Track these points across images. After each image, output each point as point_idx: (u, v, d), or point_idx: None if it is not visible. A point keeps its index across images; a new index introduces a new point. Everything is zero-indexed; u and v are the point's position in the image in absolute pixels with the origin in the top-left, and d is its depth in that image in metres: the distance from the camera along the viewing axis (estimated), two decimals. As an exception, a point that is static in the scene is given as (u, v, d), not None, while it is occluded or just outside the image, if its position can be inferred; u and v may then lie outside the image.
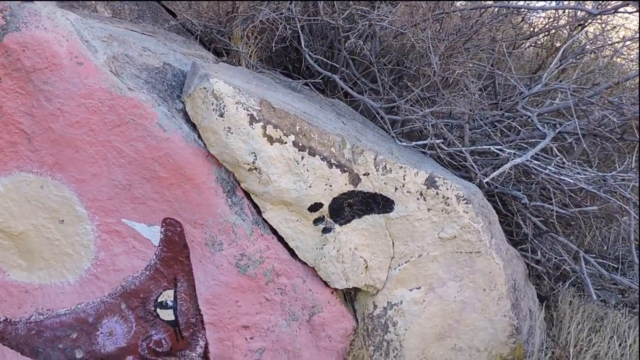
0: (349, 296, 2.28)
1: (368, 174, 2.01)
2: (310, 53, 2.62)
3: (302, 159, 1.92)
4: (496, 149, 2.36)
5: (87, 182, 1.93)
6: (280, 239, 2.07)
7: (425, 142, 2.40)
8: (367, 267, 2.11)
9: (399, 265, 2.17)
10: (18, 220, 1.97)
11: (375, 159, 2.01)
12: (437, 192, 2.08)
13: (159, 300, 2.04)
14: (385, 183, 2.03)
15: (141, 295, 2.04)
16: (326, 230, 2.04)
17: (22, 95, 1.85)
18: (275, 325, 2.14)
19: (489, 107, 2.65)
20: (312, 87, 2.56)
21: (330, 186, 1.98)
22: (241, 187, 2.00)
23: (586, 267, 2.51)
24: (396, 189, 2.04)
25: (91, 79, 1.85)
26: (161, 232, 1.99)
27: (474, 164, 2.25)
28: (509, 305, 2.27)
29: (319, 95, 2.50)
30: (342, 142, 1.98)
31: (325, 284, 2.14)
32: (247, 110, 1.86)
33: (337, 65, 2.67)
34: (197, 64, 2.04)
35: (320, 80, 2.51)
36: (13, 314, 2.05)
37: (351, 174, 2.00)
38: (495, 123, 2.73)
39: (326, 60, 2.68)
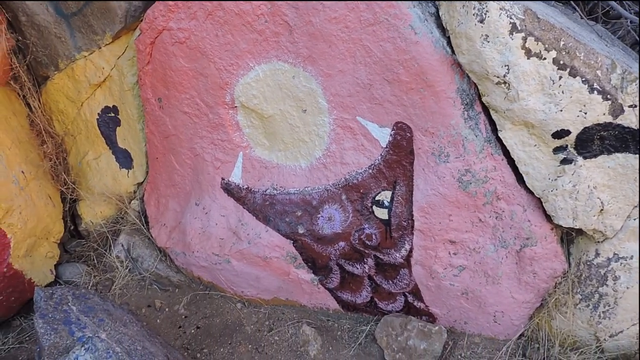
0: (567, 237, 2.12)
1: (635, 106, 1.74)
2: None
3: (560, 79, 1.74)
4: None
5: (333, 77, 2.06)
6: (510, 163, 1.97)
7: None
8: (602, 210, 1.91)
9: (640, 216, 1.91)
10: (269, 104, 2.23)
11: (649, 89, 1.72)
12: None
13: (376, 198, 2.17)
14: (654, 120, 1.74)
15: (361, 191, 2.19)
16: (566, 161, 1.87)
17: (291, -12, 2.00)
18: (482, 248, 2.12)
19: None
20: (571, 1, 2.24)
21: (585, 113, 1.77)
22: (480, 102, 1.93)
23: None
24: (666, 129, 1.75)
25: (353, -24, 1.90)
26: (391, 135, 2.06)
27: None
28: None
29: (575, 13, 2.20)
30: (612, 65, 1.73)
31: (547, 218, 2.01)
32: (510, 19, 1.72)
33: (601, -20, 2.29)
34: (455, -35, 1.93)
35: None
36: (253, 184, 2.41)
37: (614, 103, 1.75)
38: None
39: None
